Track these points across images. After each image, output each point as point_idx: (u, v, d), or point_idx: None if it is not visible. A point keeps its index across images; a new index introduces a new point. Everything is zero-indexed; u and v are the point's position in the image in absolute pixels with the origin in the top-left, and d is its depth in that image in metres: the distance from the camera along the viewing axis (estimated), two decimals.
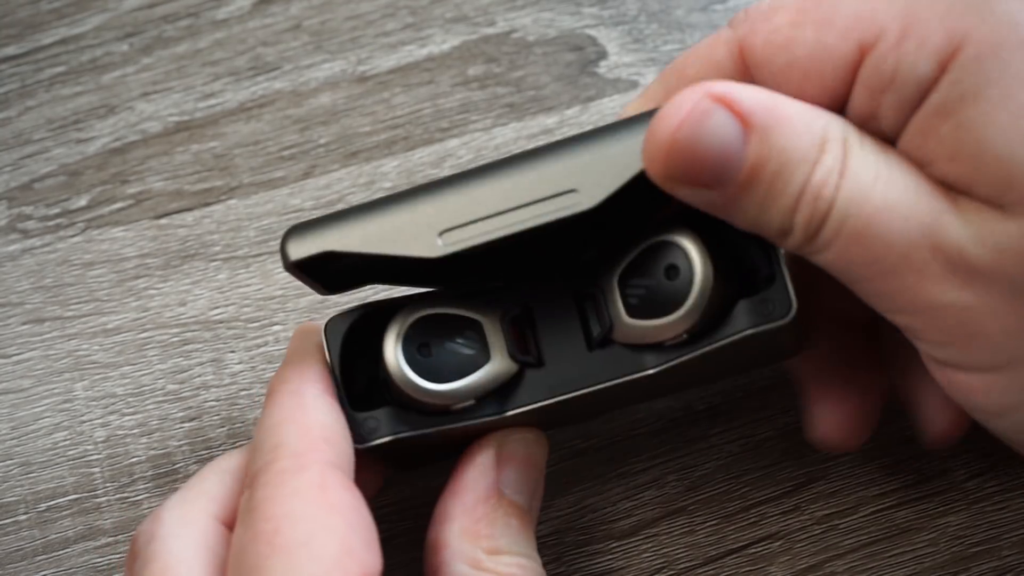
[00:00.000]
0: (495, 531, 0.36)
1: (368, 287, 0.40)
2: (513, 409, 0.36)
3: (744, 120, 0.33)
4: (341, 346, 0.37)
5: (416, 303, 0.37)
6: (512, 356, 0.36)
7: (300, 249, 0.35)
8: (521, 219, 0.34)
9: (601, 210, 0.34)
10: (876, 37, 0.34)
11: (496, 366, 0.36)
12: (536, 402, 0.36)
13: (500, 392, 0.37)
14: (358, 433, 0.36)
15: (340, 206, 0.47)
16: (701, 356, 0.36)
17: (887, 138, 0.34)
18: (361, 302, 0.38)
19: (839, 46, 0.34)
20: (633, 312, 0.36)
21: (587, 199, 0.34)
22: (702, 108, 0.33)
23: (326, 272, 0.36)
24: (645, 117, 0.34)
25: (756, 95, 0.33)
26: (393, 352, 0.36)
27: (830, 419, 0.39)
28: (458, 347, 0.36)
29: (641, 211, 0.37)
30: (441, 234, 0.34)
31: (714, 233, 0.36)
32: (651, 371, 0.36)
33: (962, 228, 0.33)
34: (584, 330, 0.37)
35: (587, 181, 0.34)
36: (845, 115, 0.35)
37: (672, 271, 0.36)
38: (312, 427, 0.35)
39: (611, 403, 0.39)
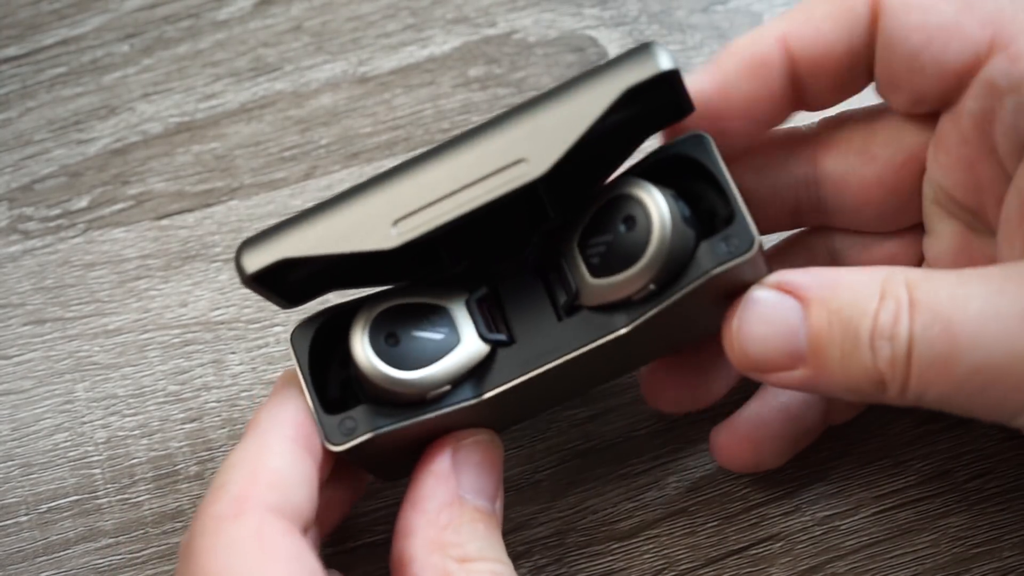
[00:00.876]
0: (462, 538, 0.35)
1: (331, 295, 0.39)
2: (490, 390, 0.36)
3: (801, 297, 0.35)
4: (309, 353, 0.36)
5: (379, 298, 0.36)
6: (482, 337, 0.36)
7: (255, 260, 0.34)
8: (473, 196, 0.34)
9: (553, 176, 0.34)
10: (1012, 37, 0.34)
11: (467, 348, 0.36)
12: (512, 379, 0.36)
13: (474, 375, 0.36)
14: (336, 435, 0.35)
15: None
16: (671, 306, 0.35)
17: (992, 149, 0.35)
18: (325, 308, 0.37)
19: (974, 32, 0.35)
20: (596, 271, 0.36)
21: (536, 166, 0.33)
22: (752, 298, 0.35)
23: (286, 283, 0.36)
24: (585, 77, 0.34)
25: (812, 273, 0.35)
26: (360, 345, 0.35)
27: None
28: (426, 333, 0.36)
29: (595, 170, 0.37)
30: (395, 224, 0.34)
31: (669, 183, 0.36)
32: (623, 330, 0.35)
33: None
34: (552, 301, 0.36)
35: (535, 148, 0.34)
36: (951, 109, 0.35)
37: (629, 222, 0.35)
38: (261, 471, 0.34)
39: (591, 375, 0.38)
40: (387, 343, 0.35)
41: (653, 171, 0.36)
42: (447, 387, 0.36)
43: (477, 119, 0.48)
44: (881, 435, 0.43)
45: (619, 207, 0.36)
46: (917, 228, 0.39)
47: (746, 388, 0.42)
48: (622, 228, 0.35)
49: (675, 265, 0.35)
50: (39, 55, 0.49)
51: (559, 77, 0.48)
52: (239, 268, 0.35)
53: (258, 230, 0.35)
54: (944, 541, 0.41)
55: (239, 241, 0.46)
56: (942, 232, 0.38)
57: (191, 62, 0.49)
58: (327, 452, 0.35)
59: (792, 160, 0.39)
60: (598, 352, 0.36)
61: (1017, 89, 0.34)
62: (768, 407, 0.41)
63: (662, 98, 0.35)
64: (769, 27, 0.37)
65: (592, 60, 0.49)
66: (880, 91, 0.37)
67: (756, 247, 0.34)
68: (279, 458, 0.35)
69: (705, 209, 0.36)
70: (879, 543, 0.41)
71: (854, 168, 0.38)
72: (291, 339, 0.36)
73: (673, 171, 0.36)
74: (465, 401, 0.36)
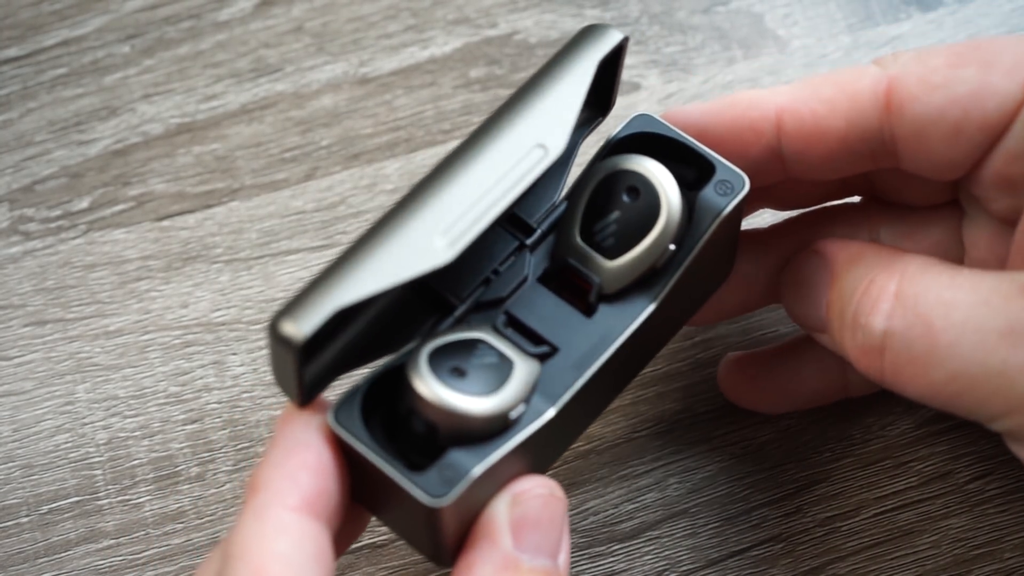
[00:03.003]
0: None
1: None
2: (563, 396, 0.34)
3: (831, 268, 0.37)
4: (364, 428, 0.33)
5: (415, 350, 0.34)
6: (528, 353, 0.35)
7: (305, 322, 0.31)
8: (507, 188, 0.33)
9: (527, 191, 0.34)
10: None
11: (523, 365, 0.35)
12: (577, 380, 0.35)
13: (537, 392, 0.35)
14: (437, 490, 0.32)
15: (342, 208, 0.47)
16: (694, 260, 0.36)
17: None
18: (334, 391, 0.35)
19: (1004, 84, 0.35)
20: (613, 253, 0.36)
21: (553, 147, 0.34)
22: (798, 259, 0.38)
23: (317, 363, 0.34)
24: (557, 61, 0.35)
25: (844, 246, 0.37)
26: (431, 388, 0.33)
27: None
28: (484, 361, 0.35)
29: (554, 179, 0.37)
30: (442, 237, 0.33)
31: (647, 151, 0.37)
32: (660, 297, 0.35)
33: None
34: (572, 304, 0.36)
35: (545, 133, 0.34)
36: (998, 152, 0.36)
37: (632, 192, 0.36)
38: (268, 570, 0.31)
39: (641, 352, 0.38)
40: (454, 377, 0.34)
41: (627, 145, 0.37)
42: (524, 406, 0.34)
43: (478, 120, 0.48)
44: (882, 436, 0.43)
45: (614, 185, 0.36)
46: (959, 211, 0.39)
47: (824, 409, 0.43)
48: (627, 200, 0.36)
49: (684, 221, 0.36)
50: (40, 56, 0.49)
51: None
52: (286, 338, 0.31)
53: (285, 301, 0.32)
54: (945, 542, 0.41)
55: (240, 242, 0.47)
56: (979, 216, 0.38)
57: (192, 63, 0.49)
58: (347, 511, 0.34)
59: None
60: (642, 331, 0.36)
61: None
62: (785, 353, 0.42)
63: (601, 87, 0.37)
64: (773, 95, 0.37)
65: None
66: (909, 169, 0.37)
67: (747, 183, 0.36)
68: (286, 540, 0.32)
69: (674, 175, 0.37)
70: (880, 544, 0.41)
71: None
72: (334, 419, 0.33)
73: (629, 152, 0.37)
74: (543, 415, 0.34)
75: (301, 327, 0.31)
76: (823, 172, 0.38)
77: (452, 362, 0.34)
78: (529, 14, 0.50)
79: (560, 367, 0.35)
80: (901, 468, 0.42)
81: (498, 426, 0.34)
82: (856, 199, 0.41)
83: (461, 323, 0.36)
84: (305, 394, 0.33)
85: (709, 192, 0.36)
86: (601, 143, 0.37)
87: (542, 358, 0.35)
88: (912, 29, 0.49)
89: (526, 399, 0.34)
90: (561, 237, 0.37)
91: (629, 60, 0.49)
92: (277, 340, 0.32)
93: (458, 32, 0.49)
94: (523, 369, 0.35)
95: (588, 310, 0.36)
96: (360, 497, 0.35)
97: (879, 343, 0.34)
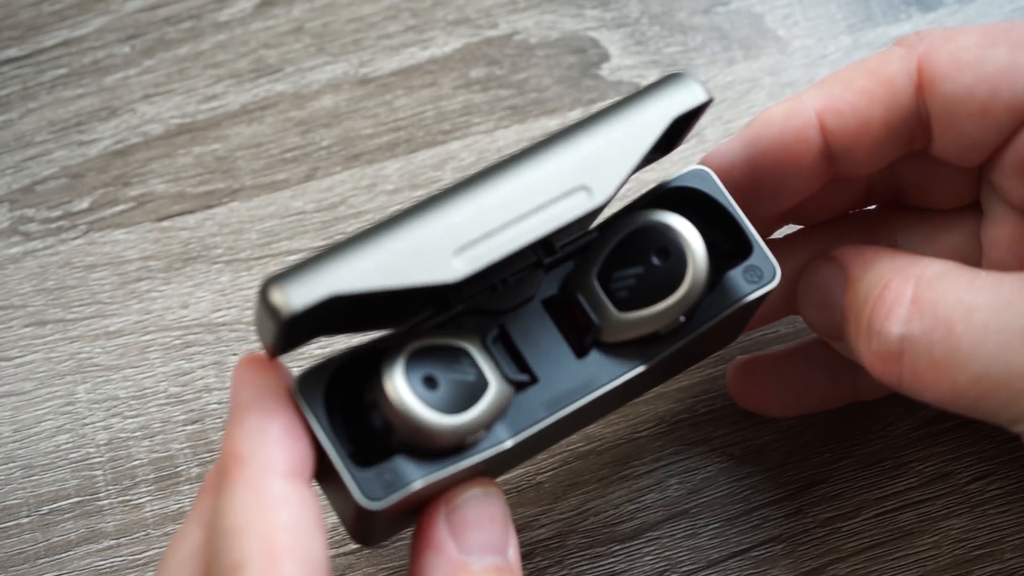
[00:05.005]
0: None
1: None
2: (521, 432, 0.34)
3: (846, 274, 0.36)
4: (325, 405, 0.33)
5: (397, 341, 0.34)
6: (507, 378, 0.34)
7: (298, 295, 0.30)
8: (536, 225, 0.32)
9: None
10: None
11: (497, 390, 0.34)
12: (542, 420, 0.34)
13: (502, 417, 0.34)
14: (376, 490, 0.32)
15: (342, 209, 0.47)
16: (706, 332, 0.35)
17: None
18: (315, 353, 0.35)
19: None
20: (624, 305, 0.35)
21: (597, 195, 0.33)
22: (814, 266, 0.38)
23: (299, 328, 0.33)
24: (630, 103, 0.33)
25: (859, 251, 0.36)
26: (400, 390, 0.33)
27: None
28: (459, 376, 0.34)
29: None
30: (456, 254, 0.31)
31: (694, 209, 0.36)
32: (651, 362, 0.35)
33: None
34: (567, 338, 0.35)
35: (594, 177, 0.33)
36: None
37: (663, 253, 0.35)
38: (278, 542, 0.30)
39: (609, 407, 0.38)
40: (426, 387, 0.33)
41: (656, 205, 0.36)
42: (484, 432, 0.34)
43: (479, 120, 0.48)
44: (883, 437, 0.43)
45: (648, 238, 0.35)
46: (979, 213, 0.39)
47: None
48: (656, 260, 0.35)
49: (703, 296, 0.35)
50: (40, 56, 0.49)
51: (560, 78, 0.48)
52: (274, 306, 0.30)
53: (286, 264, 0.31)
54: (945, 543, 0.41)
55: (240, 243, 0.47)
56: (999, 216, 0.38)
57: (192, 63, 0.49)
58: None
59: None
60: (625, 386, 0.35)
61: None
62: (795, 357, 0.42)
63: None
64: (805, 98, 0.36)
65: (593, 61, 0.49)
66: (937, 152, 0.37)
67: (779, 275, 0.35)
68: (287, 510, 0.31)
69: (710, 242, 0.35)
70: (880, 545, 0.42)
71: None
72: (298, 390, 0.33)
73: (674, 206, 0.36)
74: (499, 445, 0.34)
75: (291, 302, 0.30)
76: (871, 163, 0.37)
77: (429, 369, 0.33)
78: (529, 14, 0.50)
79: (533, 401, 0.34)
80: (902, 469, 0.42)
81: (453, 445, 0.33)
82: (873, 207, 0.41)
83: (453, 323, 0.35)
84: (279, 350, 0.33)
85: (737, 274, 0.35)
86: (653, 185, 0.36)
87: (519, 386, 0.34)
88: (912, 29, 0.49)
89: (488, 425, 0.34)
90: (578, 269, 0.36)
91: (629, 60, 0.49)
92: (264, 304, 0.31)
93: (458, 32, 0.49)
94: (495, 393, 0.34)
95: (581, 351, 0.35)
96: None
97: (896, 348, 0.34)
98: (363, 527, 0.34)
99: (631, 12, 0.50)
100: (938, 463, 0.42)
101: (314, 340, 0.34)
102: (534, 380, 0.34)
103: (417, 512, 0.34)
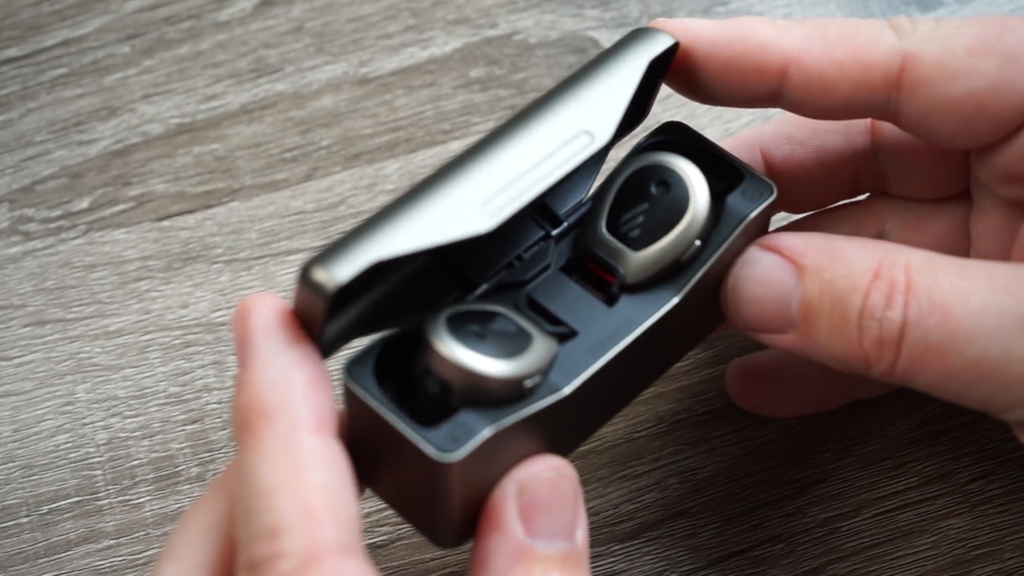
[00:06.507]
0: None
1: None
2: (577, 377, 0.34)
3: (797, 262, 0.35)
4: (377, 385, 0.33)
5: (436, 311, 0.34)
6: (547, 332, 0.35)
7: (342, 269, 0.31)
8: (551, 169, 0.34)
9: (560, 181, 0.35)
10: None
11: (541, 338, 0.34)
12: (594, 362, 0.34)
13: (553, 370, 0.34)
14: (447, 447, 0.32)
15: (341, 208, 0.47)
16: (723, 256, 0.36)
17: None
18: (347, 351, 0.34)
19: (1023, 84, 0.34)
20: (639, 244, 0.36)
21: (600, 137, 0.34)
22: (748, 258, 0.36)
23: (343, 317, 0.34)
24: (608, 57, 0.35)
25: (809, 239, 0.35)
26: (450, 347, 0.33)
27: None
28: (503, 329, 0.34)
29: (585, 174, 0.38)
30: (483, 205, 0.33)
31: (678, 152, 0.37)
32: (683, 291, 0.35)
33: None
34: (593, 293, 0.36)
35: (593, 122, 0.34)
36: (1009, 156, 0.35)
37: (662, 185, 0.36)
38: (315, 503, 0.29)
39: (657, 354, 0.38)
40: (474, 339, 0.33)
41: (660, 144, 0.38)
42: (540, 378, 0.34)
43: (478, 120, 0.48)
44: (882, 437, 0.43)
45: (644, 179, 0.36)
46: (967, 201, 0.39)
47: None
48: (656, 192, 0.36)
49: (711, 219, 0.36)
50: (40, 56, 0.49)
51: (560, 78, 0.48)
52: (318, 283, 0.31)
53: (320, 248, 0.31)
54: (945, 543, 0.41)
55: (240, 243, 0.47)
56: (988, 205, 0.38)
57: (192, 63, 0.49)
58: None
59: (852, 130, 0.40)
60: (661, 326, 0.36)
61: None
62: (792, 357, 0.41)
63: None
64: (783, 38, 0.36)
65: None
66: (910, 133, 0.37)
67: (776, 190, 0.36)
68: (321, 468, 0.30)
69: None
70: (880, 545, 0.41)
71: (907, 138, 0.38)
72: (349, 376, 0.32)
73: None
74: (557, 392, 0.34)
75: (335, 275, 0.31)
76: (816, 117, 0.37)
77: (472, 326, 0.34)
78: (529, 14, 0.50)
79: (578, 349, 0.35)
80: (901, 468, 0.42)
81: (513, 393, 0.33)
82: (862, 196, 0.41)
83: (481, 300, 0.36)
84: (325, 348, 0.33)
85: (737, 197, 0.36)
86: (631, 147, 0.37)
87: (560, 338, 0.35)
88: None
89: (543, 372, 0.34)
90: (586, 229, 0.37)
91: None
92: (308, 286, 0.31)
93: (458, 32, 0.49)
94: (541, 343, 0.34)
95: (610, 300, 0.36)
96: (361, 470, 0.34)
97: (897, 335, 0.34)
98: (438, 504, 0.33)
99: (631, 12, 0.50)
100: (938, 463, 0.42)
101: (351, 344, 0.34)
102: (574, 333, 0.35)
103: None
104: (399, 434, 0.32)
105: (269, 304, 0.32)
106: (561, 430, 0.35)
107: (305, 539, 0.29)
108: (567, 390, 0.34)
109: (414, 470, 0.33)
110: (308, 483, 0.30)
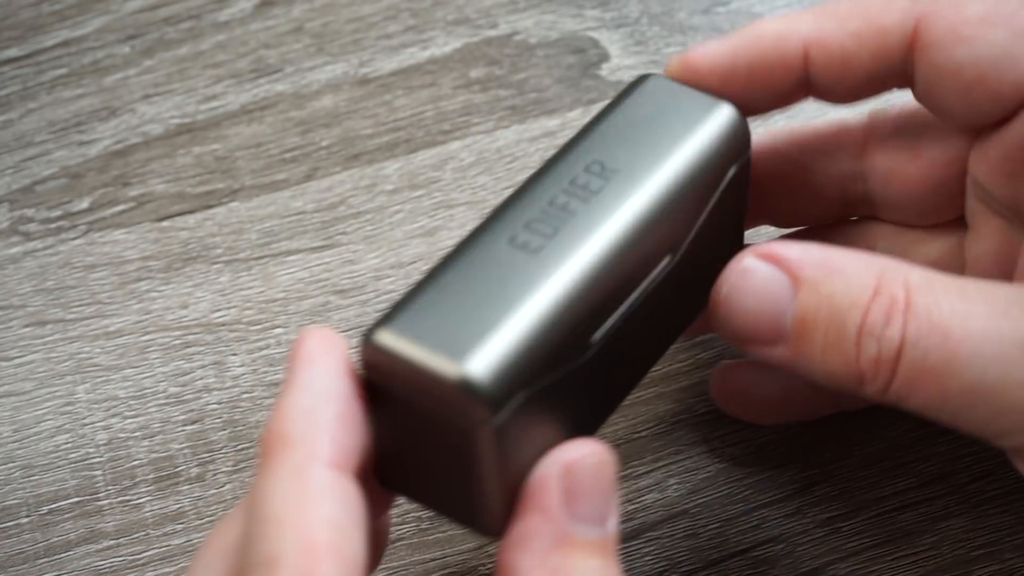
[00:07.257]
0: None
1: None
2: (604, 326, 0.34)
3: (793, 274, 0.33)
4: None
5: None
6: None
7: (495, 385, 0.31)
8: (639, 292, 0.34)
9: None
10: None
11: None
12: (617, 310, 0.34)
13: None
14: (496, 398, 0.30)
15: (342, 209, 0.47)
16: (711, 211, 0.36)
17: None
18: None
19: None
20: None
21: (675, 255, 0.35)
22: (743, 267, 0.34)
23: None
24: (690, 156, 0.35)
25: (807, 250, 0.34)
26: None
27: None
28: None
29: None
30: (592, 337, 0.33)
31: None
32: (687, 243, 0.36)
33: None
34: None
35: (673, 243, 0.35)
36: (998, 127, 0.35)
37: None
38: (317, 537, 0.29)
39: (665, 327, 0.38)
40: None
41: None
42: None
43: (478, 120, 0.48)
44: (882, 437, 0.43)
45: None
46: (961, 228, 0.39)
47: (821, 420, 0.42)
48: None
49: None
50: (40, 56, 0.49)
51: (560, 78, 0.48)
52: (482, 402, 0.30)
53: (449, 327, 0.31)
54: (945, 543, 0.41)
55: (240, 243, 0.47)
56: (984, 229, 0.38)
57: (192, 63, 0.49)
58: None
59: (840, 152, 0.39)
60: (662, 287, 0.35)
61: None
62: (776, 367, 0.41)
63: None
64: (798, 25, 0.36)
65: (593, 61, 0.49)
66: (922, 103, 0.37)
67: (750, 149, 0.36)
68: (330, 503, 0.29)
69: None
70: (880, 545, 0.41)
71: (900, 164, 0.38)
72: (369, 340, 0.31)
73: None
74: (595, 342, 0.34)
75: (492, 388, 0.30)
76: (847, 99, 0.37)
77: None
78: (529, 14, 0.50)
79: None
80: (901, 468, 0.42)
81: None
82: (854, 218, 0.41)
83: None
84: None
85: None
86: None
87: None
88: None
89: None
90: None
91: (629, 61, 0.49)
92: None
93: (458, 32, 0.49)
94: None
95: None
96: (389, 467, 0.33)
97: (894, 354, 0.33)
98: (478, 481, 0.32)
99: (631, 12, 0.50)
100: (937, 463, 0.42)
101: None
102: None
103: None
104: (431, 385, 0.31)
105: (322, 336, 0.32)
106: (589, 398, 0.35)
107: (300, 573, 0.28)
108: (597, 335, 0.33)
109: (449, 444, 0.32)
110: (313, 516, 0.29)
